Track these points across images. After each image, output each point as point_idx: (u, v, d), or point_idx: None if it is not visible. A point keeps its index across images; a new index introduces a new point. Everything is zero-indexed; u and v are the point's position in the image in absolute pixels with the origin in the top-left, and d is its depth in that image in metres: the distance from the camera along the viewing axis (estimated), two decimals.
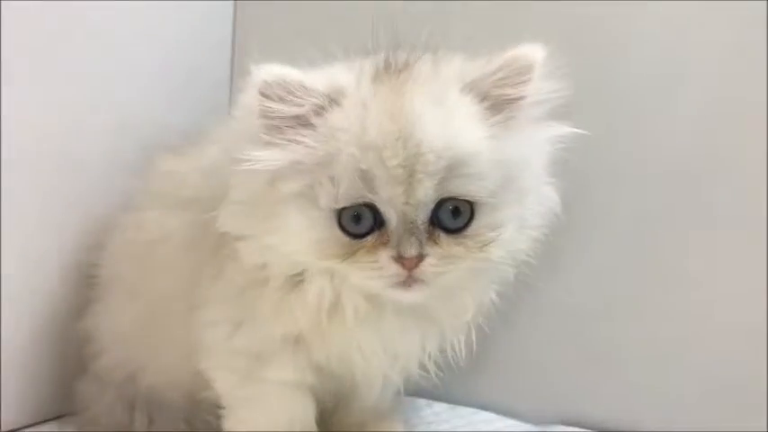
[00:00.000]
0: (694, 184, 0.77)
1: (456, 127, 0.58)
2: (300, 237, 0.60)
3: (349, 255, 0.59)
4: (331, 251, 0.60)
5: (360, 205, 0.58)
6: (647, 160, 0.79)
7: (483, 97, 0.60)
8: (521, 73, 0.60)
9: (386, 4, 0.81)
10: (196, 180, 0.70)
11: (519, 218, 0.62)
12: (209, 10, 0.96)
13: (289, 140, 0.59)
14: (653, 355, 0.80)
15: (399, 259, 0.58)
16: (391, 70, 0.61)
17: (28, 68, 0.76)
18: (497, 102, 0.60)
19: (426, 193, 0.57)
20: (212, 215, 0.64)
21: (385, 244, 0.58)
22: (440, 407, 0.88)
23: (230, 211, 0.63)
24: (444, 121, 0.58)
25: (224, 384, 0.69)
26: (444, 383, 0.78)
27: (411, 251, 0.58)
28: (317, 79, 0.60)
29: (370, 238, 0.59)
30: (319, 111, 0.59)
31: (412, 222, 0.58)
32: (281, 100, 0.59)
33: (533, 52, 0.60)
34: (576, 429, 0.82)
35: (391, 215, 0.58)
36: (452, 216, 0.59)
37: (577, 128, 0.62)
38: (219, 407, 0.71)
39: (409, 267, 0.58)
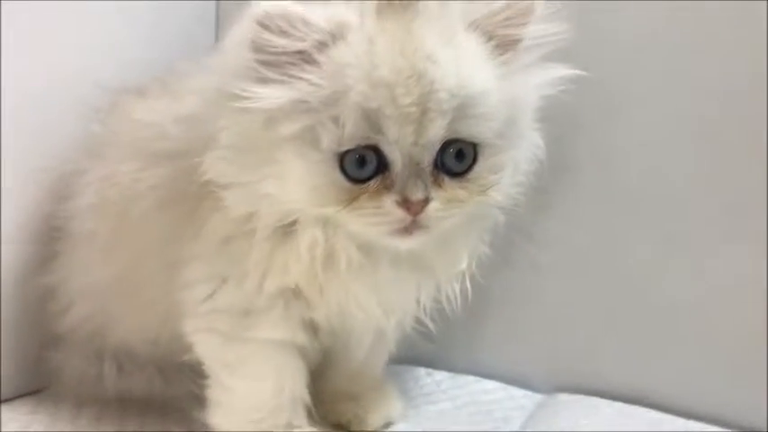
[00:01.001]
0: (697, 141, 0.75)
1: (468, 65, 0.57)
2: (299, 183, 0.58)
3: (350, 201, 0.57)
4: (332, 197, 0.58)
5: (364, 147, 0.57)
6: (648, 103, 0.77)
7: (488, 37, 0.59)
8: (524, 14, 0.59)
9: None
10: (175, 131, 0.66)
11: (514, 161, 0.62)
12: None
13: (290, 77, 0.56)
14: (663, 319, 0.78)
15: (404, 203, 0.57)
16: (395, 5, 0.58)
17: None
18: (502, 42, 0.59)
19: (437, 133, 0.56)
20: (193, 166, 0.61)
21: (389, 188, 0.57)
22: (440, 375, 0.86)
23: (218, 157, 0.60)
24: (456, 58, 0.56)
25: (206, 348, 0.67)
26: (445, 351, 0.79)
27: (418, 194, 0.56)
28: (319, 13, 0.57)
29: (373, 183, 0.57)
30: (322, 47, 0.56)
31: (418, 164, 0.57)
32: (283, 33, 0.55)
33: None
34: (582, 397, 0.79)
35: (396, 157, 0.57)
36: (456, 159, 0.58)
37: (576, 70, 0.62)
38: (198, 372, 0.68)
39: (414, 212, 0.57)
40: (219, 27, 0.90)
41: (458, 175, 0.58)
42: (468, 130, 0.57)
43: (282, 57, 0.56)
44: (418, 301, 0.67)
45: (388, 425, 0.75)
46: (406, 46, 0.55)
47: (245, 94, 0.56)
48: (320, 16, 0.56)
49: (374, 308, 0.64)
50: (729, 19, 0.73)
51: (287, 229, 0.61)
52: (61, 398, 0.77)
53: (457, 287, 0.67)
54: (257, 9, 0.55)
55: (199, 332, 0.66)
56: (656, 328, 0.78)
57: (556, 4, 0.59)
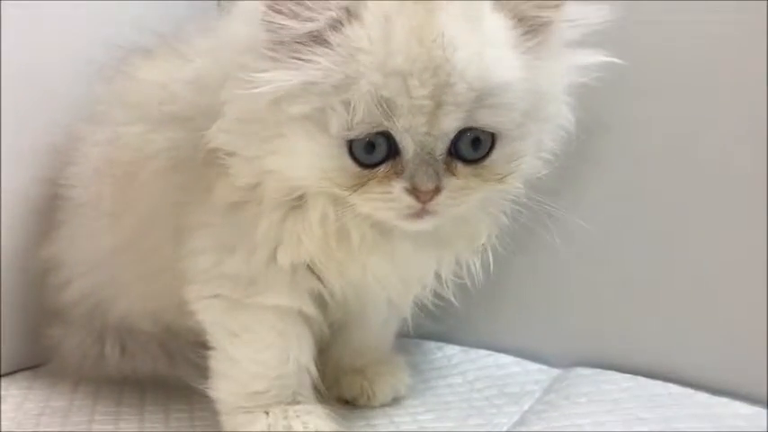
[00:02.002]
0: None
1: (491, 53, 0.54)
2: (306, 164, 0.57)
3: (359, 186, 0.56)
4: (340, 181, 0.56)
5: (374, 134, 0.54)
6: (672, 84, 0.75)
7: (518, 19, 0.56)
8: None
9: None
10: (183, 94, 0.64)
11: (537, 144, 0.60)
12: None
13: (301, 59, 0.54)
14: (678, 294, 0.77)
15: (414, 191, 0.55)
16: None
17: None
18: (531, 24, 0.56)
19: (451, 125, 0.54)
20: (200, 131, 0.59)
21: (399, 174, 0.55)
22: (452, 350, 0.84)
23: (224, 127, 0.58)
24: (478, 46, 0.53)
25: (210, 315, 0.65)
26: (458, 325, 0.79)
27: (428, 184, 0.55)
28: None
29: (383, 168, 0.56)
30: (336, 25, 0.54)
31: (430, 153, 0.55)
32: (294, 14, 0.53)
33: None
34: (597, 371, 0.78)
35: (408, 145, 0.54)
36: (472, 146, 0.56)
37: (608, 56, 0.59)
38: (200, 345, 0.67)
39: (424, 200, 0.55)
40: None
41: (473, 161, 0.56)
42: (487, 120, 0.55)
43: (293, 38, 0.54)
44: (439, 276, 0.66)
45: (396, 399, 0.73)
46: (425, 30, 0.52)
47: (253, 78, 0.54)
48: None
49: (394, 282, 0.64)
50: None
51: (296, 202, 0.60)
52: (59, 374, 0.77)
53: (478, 261, 0.66)
54: None
55: (202, 299, 0.65)
56: (671, 302, 0.77)
57: None
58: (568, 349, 0.81)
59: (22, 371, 0.79)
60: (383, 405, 0.73)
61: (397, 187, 0.55)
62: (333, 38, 0.53)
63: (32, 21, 0.75)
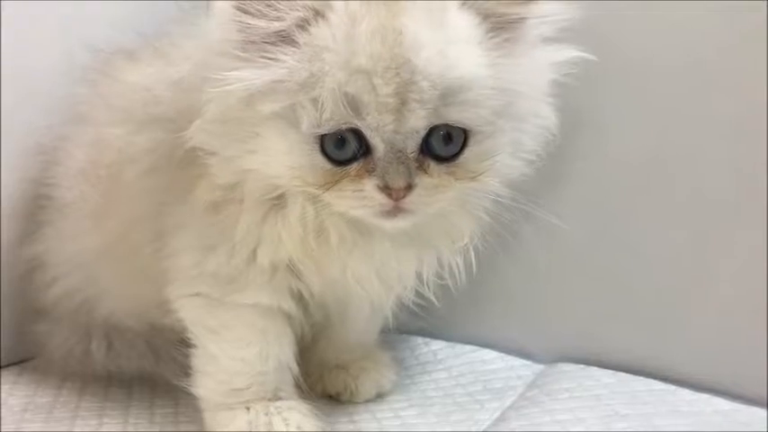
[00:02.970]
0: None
1: (454, 51, 0.55)
2: (280, 161, 0.58)
3: (332, 183, 0.57)
4: (313, 179, 0.57)
5: (344, 130, 0.55)
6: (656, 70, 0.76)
7: (484, 16, 0.56)
8: None
9: None
10: (166, 96, 0.65)
11: (515, 143, 0.60)
12: None
13: (269, 58, 0.55)
14: (663, 289, 0.77)
15: (386, 189, 0.56)
16: None
17: None
18: (499, 21, 0.57)
19: (418, 122, 0.55)
20: (182, 132, 0.60)
21: (371, 172, 0.56)
22: (438, 345, 0.85)
23: (203, 127, 0.59)
24: (442, 44, 0.54)
25: (191, 313, 0.66)
26: (444, 320, 0.79)
27: (399, 182, 0.55)
28: None
29: (354, 166, 0.56)
30: (303, 24, 0.55)
31: (401, 151, 0.55)
32: (261, 15, 0.54)
33: None
34: (580, 367, 0.78)
35: (378, 142, 0.55)
36: (444, 143, 0.57)
37: (581, 52, 0.60)
38: (186, 344, 0.68)
39: (396, 198, 0.56)
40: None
41: (446, 159, 0.57)
42: (456, 116, 0.55)
43: (262, 38, 0.55)
44: (420, 276, 0.66)
45: (379, 395, 0.74)
46: (388, 30, 0.53)
47: (221, 77, 0.55)
48: None
49: (374, 282, 0.64)
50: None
51: (275, 201, 0.61)
52: (45, 370, 0.77)
53: (460, 261, 0.66)
54: None
55: (183, 297, 0.65)
56: (654, 298, 0.77)
57: None
58: (552, 345, 0.82)
59: (8, 366, 0.80)
60: (366, 401, 0.73)
61: (369, 185, 0.55)
62: (300, 37, 0.54)
63: (16, 21, 0.76)
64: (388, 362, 0.76)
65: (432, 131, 0.55)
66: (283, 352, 0.66)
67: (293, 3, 0.54)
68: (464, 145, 0.57)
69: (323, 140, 0.55)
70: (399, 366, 0.78)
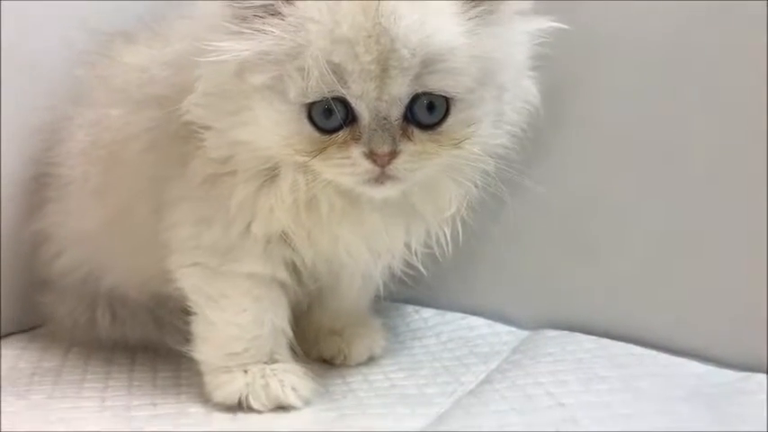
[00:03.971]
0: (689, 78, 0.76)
1: (432, 21, 0.57)
2: (270, 131, 0.60)
3: (319, 151, 0.59)
4: (301, 147, 0.60)
5: (330, 99, 0.58)
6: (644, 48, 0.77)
7: None
8: None
9: None
10: (162, 75, 0.68)
11: (496, 113, 0.63)
12: None
13: (256, 30, 0.58)
14: (644, 258, 0.80)
15: (371, 155, 0.58)
16: None
17: None
18: None
19: (400, 89, 0.57)
20: (178, 108, 0.63)
21: (357, 140, 0.59)
22: (428, 312, 0.88)
23: (197, 102, 0.62)
24: (420, 14, 0.57)
25: (190, 282, 0.69)
26: (433, 289, 0.82)
27: (383, 148, 0.58)
28: None
29: (341, 134, 0.59)
30: None
31: (385, 118, 0.58)
32: None
33: None
34: (563, 333, 0.81)
35: (363, 110, 0.58)
36: (427, 111, 0.59)
37: (560, 23, 0.63)
38: (187, 312, 0.71)
39: (381, 164, 0.58)
40: None
41: (429, 127, 0.59)
42: (437, 84, 0.58)
43: (250, 11, 0.57)
44: (408, 246, 0.69)
45: (371, 359, 0.77)
46: (370, 2, 0.56)
47: (212, 47, 0.57)
48: None
49: (364, 252, 0.67)
50: None
51: (270, 173, 0.63)
52: (52, 337, 0.80)
53: (447, 231, 0.69)
54: None
55: (183, 267, 0.68)
56: (636, 267, 0.79)
57: None
58: (537, 312, 0.84)
59: (17, 333, 0.83)
60: (359, 364, 0.76)
61: (356, 152, 0.58)
62: (285, 10, 0.57)
63: (17, 6, 0.78)
64: (380, 328, 0.79)
65: (415, 99, 0.58)
66: (278, 318, 0.69)
67: None
68: (447, 113, 0.59)
69: (310, 109, 0.58)
70: (390, 332, 0.81)
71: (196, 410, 0.68)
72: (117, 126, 0.70)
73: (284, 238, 0.66)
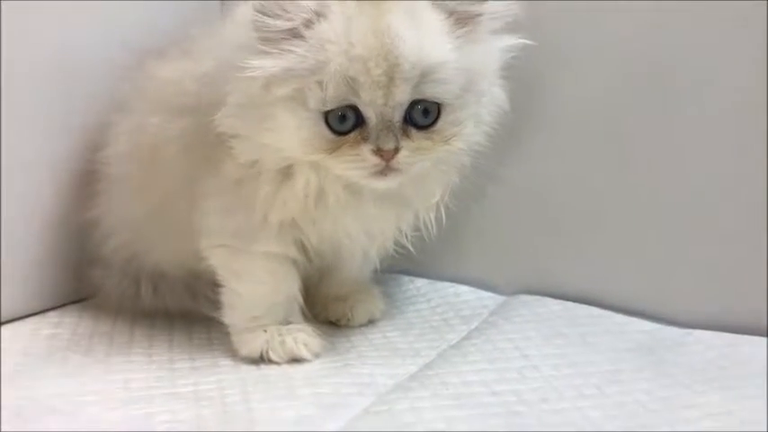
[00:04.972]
0: (666, 72, 0.82)
1: (428, 41, 0.66)
2: (291, 135, 0.68)
3: (334, 149, 0.67)
4: (318, 146, 0.68)
5: (344, 107, 0.66)
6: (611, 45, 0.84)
7: (449, 13, 0.68)
8: None
9: None
10: (192, 88, 0.75)
11: (476, 115, 0.71)
12: None
13: (282, 50, 0.66)
14: (608, 230, 0.86)
15: (378, 152, 0.66)
16: None
17: None
18: (461, 17, 0.68)
19: (402, 97, 0.66)
20: (210, 119, 0.70)
21: (366, 139, 0.67)
22: (421, 282, 0.96)
23: (228, 113, 0.70)
24: (418, 36, 0.66)
25: (218, 260, 0.78)
26: (426, 262, 0.89)
27: (389, 144, 0.66)
28: None
29: (352, 135, 0.67)
30: (308, 24, 0.66)
31: (389, 121, 0.66)
32: (276, 15, 0.65)
33: None
34: (536, 297, 0.89)
35: (371, 115, 0.66)
36: (423, 114, 0.68)
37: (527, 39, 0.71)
38: (217, 284, 0.79)
39: (387, 159, 0.67)
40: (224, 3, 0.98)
41: (424, 128, 0.68)
42: (431, 92, 0.67)
43: (277, 34, 0.66)
44: (400, 229, 0.78)
45: (371, 321, 0.86)
46: (378, 26, 0.65)
47: (246, 65, 0.66)
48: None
49: (360, 236, 0.76)
50: None
51: (286, 172, 0.72)
52: (102, 307, 0.88)
53: (432, 216, 0.78)
54: None
55: (212, 248, 0.77)
56: (599, 239, 0.87)
57: None
58: (515, 280, 0.92)
59: (72, 303, 0.91)
60: (360, 326, 0.85)
61: (365, 149, 0.67)
62: (307, 33, 0.66)
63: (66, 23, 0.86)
64: (379, 295, 0.87)
65: (413, 105, 0.67)
66: (291, 288, 0.78)
67: (300, 6, 0.65)
68: (438, 115, 0.68)
69: (327, 116, 0.66)
70: (388, 299, 0.89)
71: (226, 363, 0.76)
72: (155, 132, 0.78)
73: (294, 224, 0.74)
